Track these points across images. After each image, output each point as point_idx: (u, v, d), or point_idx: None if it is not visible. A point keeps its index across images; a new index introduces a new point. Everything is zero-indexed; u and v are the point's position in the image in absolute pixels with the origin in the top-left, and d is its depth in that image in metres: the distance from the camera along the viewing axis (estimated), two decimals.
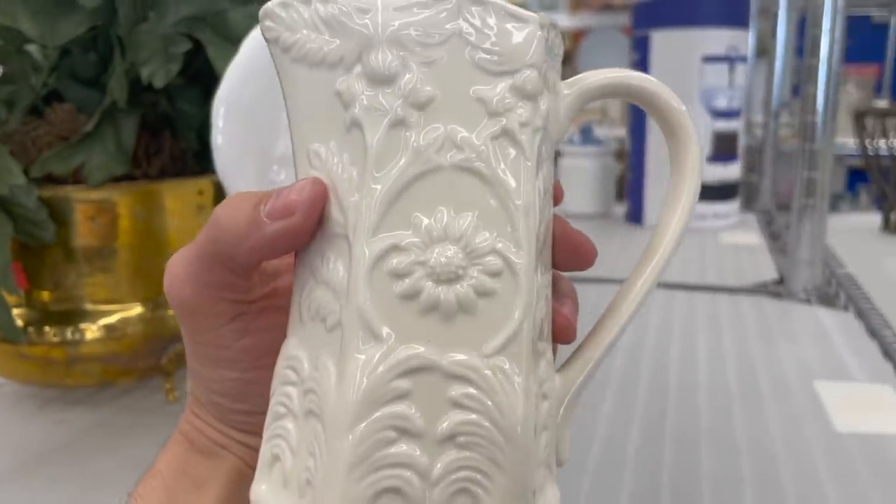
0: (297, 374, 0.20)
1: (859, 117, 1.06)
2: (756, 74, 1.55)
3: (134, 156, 0.48)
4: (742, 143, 1.13)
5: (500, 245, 0.19)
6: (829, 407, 0.48)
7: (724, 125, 1.05)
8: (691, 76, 1.03)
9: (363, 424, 0.18)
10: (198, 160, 0.51)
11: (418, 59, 0.19)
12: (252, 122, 0.34)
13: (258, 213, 0.19)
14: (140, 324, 0.48)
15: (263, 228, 0.19)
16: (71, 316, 0.47)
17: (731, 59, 1.04)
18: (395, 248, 0.18)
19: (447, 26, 0.19)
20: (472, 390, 0.19)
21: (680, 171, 0.23)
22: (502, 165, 0.19)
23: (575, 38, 3.20)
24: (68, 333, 0.47)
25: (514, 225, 0.19)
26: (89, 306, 0.47)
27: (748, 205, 1.26)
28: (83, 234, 0.47)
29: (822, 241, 0.73)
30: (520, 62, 0.19)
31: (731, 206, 1.09)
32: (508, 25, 0.19)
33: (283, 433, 0.20)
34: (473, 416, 0.18)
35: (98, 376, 0.47)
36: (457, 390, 0.19)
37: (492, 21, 0.19)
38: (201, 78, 0.49)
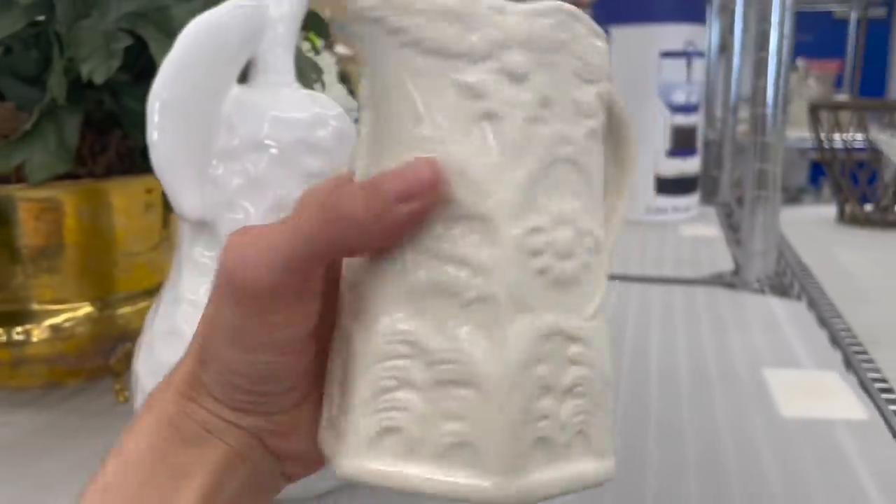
0: (414, 348, 0.21)
1: (814, 111, 1.08)
2: (720, 70, 1.57)
3: (79, 154, 0.48)
4: (704, 137, 1.15)
5: (594, 227, 0.23)
6: (775, 393, 0.49)
7: (682, 120, 1.06)
8: (650, 71, 1.04)
9: (521, 386, 0.21)
10: (146, 158, 0.51)
11: (543, 62, 0.21)
12: (189, 118, 0.34)
13: (382, 198, 0.20)
14: (88, 323, 0.47)
15: (392, 212, 0.20)
16: (17, 317, 0.47)
17: (688, 55, 1.05)
18: (535, 230, 0.21)
19: (561, 36, 0.21)
20: (583, 349, 0.22)
21: (622, 167, 0.26)
22: (593, 160, 0.23)
23: None
24: (14, 334, 0.46)
25: (598, 209, 0.23)
26: (36, 306, 0.47)
27: (710, 198, 1.28)
28: (28, 233, 0.46)
29: (775, 231, 0.74)
30: (601, 73, 0.23)
31: (691, 200, 1.10)
32: (593, 41, 0.22)
33: (399, 405, 0.21)
34: (585, 371, 0.22)
35: (44, 377, 0.47)
36: (573, 350, 0.22)
37: (585, 35, 0.22)
38: (148, 75, 0.48)
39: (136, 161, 0.51)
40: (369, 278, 0.22)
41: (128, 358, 0.48)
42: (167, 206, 0.51)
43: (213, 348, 0.22)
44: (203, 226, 0.36)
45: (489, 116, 0.20)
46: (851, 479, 0.39)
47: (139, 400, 0.37)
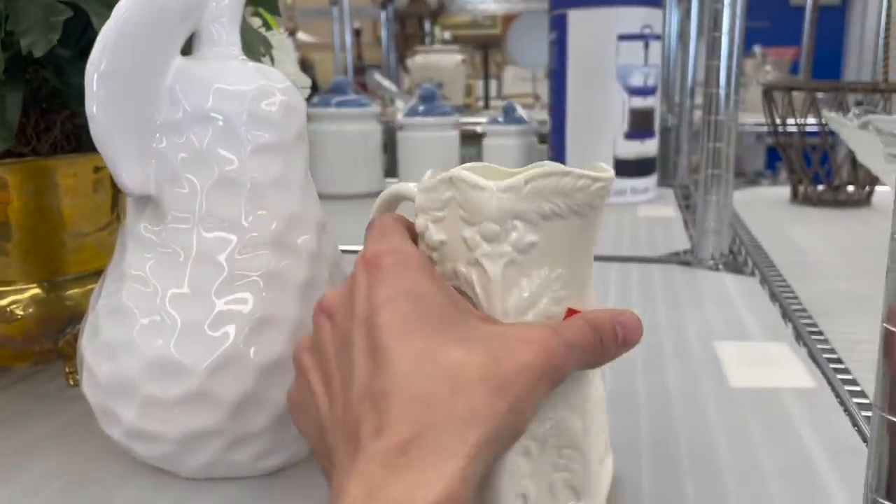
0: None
1: (768, 92, 1.09)
2: (678, 58, 1.58)
3: (23, 133, 0.47)
4: (664, 123, 1.16)
5: None
6: (725, 365, 0.50)
7: (640, 102, 1.07)
8: (608, 54, 1.05)
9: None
10: None
11: None
12: (129, 89, 0.33)
13: (620, 343, 0.29)
14: (33, 305, 0.46)
15: (619, 352, 0.29)
16: None
17: (645, 38, 1.06)
18: None
19: None
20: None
21: None
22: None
23: (505, 22, 3.22)
24: None
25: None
26: None
27: (668, 181, 1.29)
28: None
29: (728, 209, 0.75)
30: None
31: (649, 182, 1.12)
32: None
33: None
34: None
35: None
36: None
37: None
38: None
39: (83, 140, 0.50)
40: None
41: (77, 341, 0.47)
42: (116, 186, 0.50)
43: (526, 413, 0.26)
44: (147, 200, 0.36)
45: None
46: (799, 444, 0.40)
47: (85, 380, 0.37)
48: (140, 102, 0.34)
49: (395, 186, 0.37)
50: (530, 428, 0.29)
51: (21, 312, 0.46)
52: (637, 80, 1.06)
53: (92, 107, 0.33)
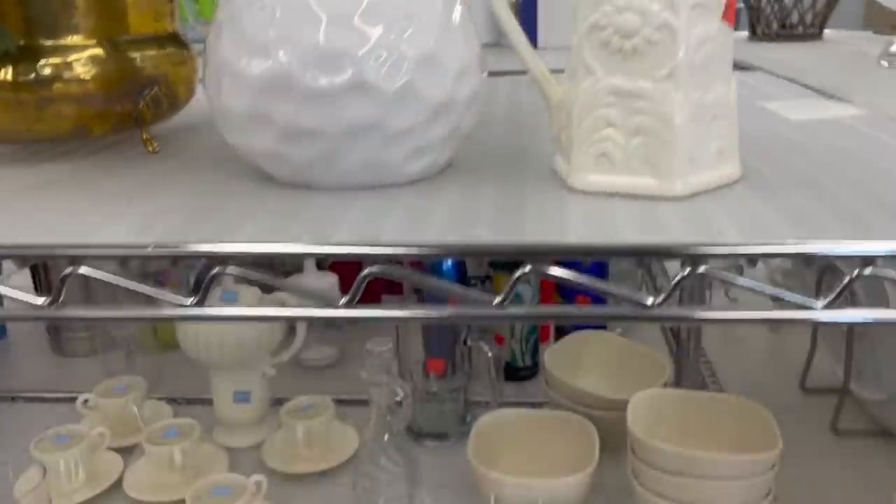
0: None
1: None
2: None
3: None
4: None
5: (664, 13, 0.32)
6: (778, 109, 0.53)
7: None
8: None
9: (586, 117, 0.35)
10: None
11: None
12: None
13: None
14: (110, 61, 0.44)
15: None
16: (38, 52, 0.43)
17: None
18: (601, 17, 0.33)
19: None
20: (646, 104, 0.33)
21: None
22: None
23: None
24: (40, 70, 0.42)
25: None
26: (58, 42, 0.43)
27: None
28: None
29: None
30: None
31: None
32: None
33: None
34: (648, 119, 0.33)
35: (73, 120, 0.43)
36: (638, 103, 0.33)
37: None
38: None
39: None
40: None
41: (156, 103, 0.46)
42: None
43: None
44: None
45: None
46: (878, 139, 0.44)
47: (227, 89, 0.36)
48: None
49: None
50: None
51: (97, 68, 0.44)
52: None
53: None
